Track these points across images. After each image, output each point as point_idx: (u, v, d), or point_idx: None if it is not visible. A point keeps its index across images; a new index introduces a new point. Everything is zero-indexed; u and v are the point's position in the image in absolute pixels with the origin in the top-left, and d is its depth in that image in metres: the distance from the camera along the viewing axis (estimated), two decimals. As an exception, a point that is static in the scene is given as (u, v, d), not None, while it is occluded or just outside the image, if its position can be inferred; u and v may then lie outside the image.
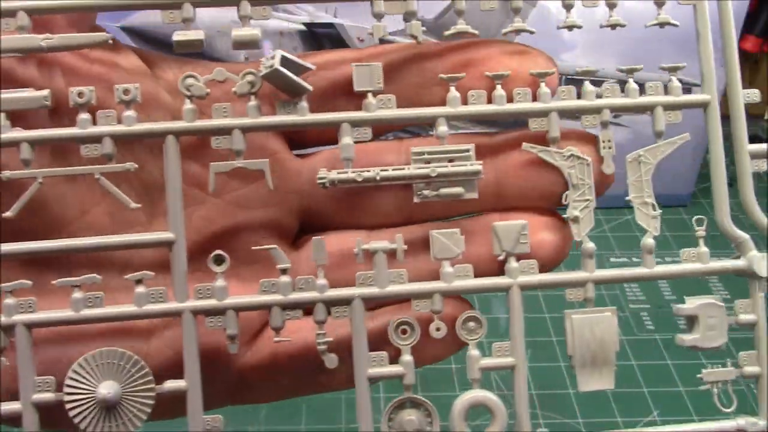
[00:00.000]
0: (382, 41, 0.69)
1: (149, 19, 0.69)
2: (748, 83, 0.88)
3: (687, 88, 0.76)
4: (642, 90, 0.30)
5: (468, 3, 0.30)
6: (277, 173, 0.30)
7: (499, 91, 0.30)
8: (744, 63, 0.85)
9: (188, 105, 0.29)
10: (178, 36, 0.28)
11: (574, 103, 0.30)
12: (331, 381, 0.31)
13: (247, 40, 0.28)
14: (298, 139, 0.32)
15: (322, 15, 0.72)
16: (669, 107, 0.31)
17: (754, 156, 0.31)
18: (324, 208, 0.31)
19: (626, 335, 0.60)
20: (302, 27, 0.72)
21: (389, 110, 0.30)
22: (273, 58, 0.28)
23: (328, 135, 0.31)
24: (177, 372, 0.28)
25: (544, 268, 0.30)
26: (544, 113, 0.30)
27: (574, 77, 0.74)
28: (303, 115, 0.29)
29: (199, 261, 0.29)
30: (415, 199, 0.30)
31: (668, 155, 0.32)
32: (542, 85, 0.30)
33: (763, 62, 0.89)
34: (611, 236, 0.75)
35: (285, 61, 0.28)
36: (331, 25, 0.72)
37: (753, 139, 0.31)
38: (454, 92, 0.30)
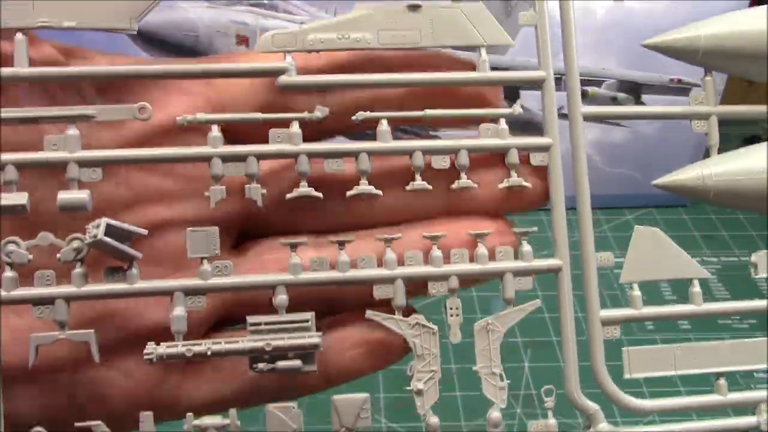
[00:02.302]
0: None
1: (149, 19, 0.69)
2: (748, 83, 0.90)
3: (687, 89, 0.76)
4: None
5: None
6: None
7: (343, 257, 0.30)
8: None
9: (8, 273, 0.28)
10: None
11: (421, 269, 0.30)
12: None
13: (74, 204, 0.28)
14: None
15: (322, 15, 0.72)
16: (519, 273, 0.30)
17: (606, 323, 0.31)
18: (266, 212, 0.30)
19: (626, 335, 0.60)
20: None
21: (227, 278, 0.29)
22: (98, 227, 0.27)
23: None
24: None
25: None
26: (390, 279, 0.30)
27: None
28: (132, 284, 0.28)
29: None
30: (250, 373, 0.29)
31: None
32: (388, 250, 0.30)
33: None
34: (611, 236, 0.75)
35: (110, 230, 0.27)
36: None
37: (753, 139, 0.31)
38: (294, 258, 0.29)
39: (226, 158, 0.29)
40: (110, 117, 0.28)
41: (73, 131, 0.28)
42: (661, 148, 0.75)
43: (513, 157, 0.30)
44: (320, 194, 0.29)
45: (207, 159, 0.29)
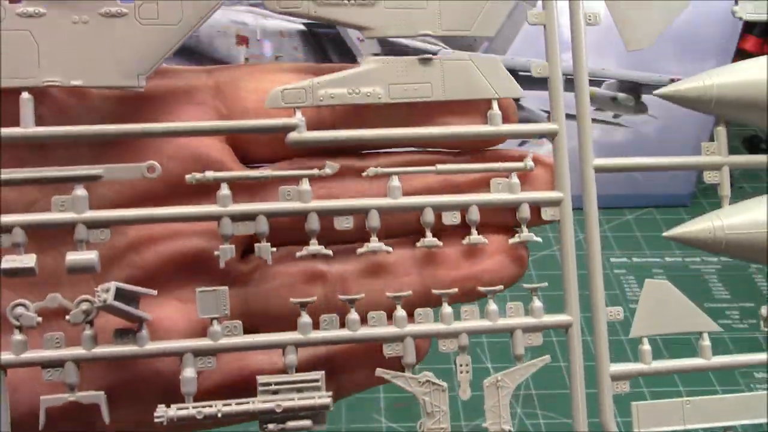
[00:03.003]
0: (379, 40, 0.69)
1: None
2: None
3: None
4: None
5: None
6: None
7: (353, 314, 0.29)
8: None
9: (17, 336, 0.28)
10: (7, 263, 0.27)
11: (431, 326, 0.30)
12: None
13: (83, 265, 0.27)
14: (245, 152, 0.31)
15: None
16: (529, 329, 0.30)
17: (616, 378, 0.31)
18: (275, 224, 0.30)
19: (626, 335, 0.61)
20: (302, 27, 0.71)
21: (235, 338, 0.29)
22: (108, 291, 0.27)
23: (281, 154, 0.30)
24: None
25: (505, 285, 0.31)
26: (400, 338, 0.30)
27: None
28: (143, 345, 0.28)
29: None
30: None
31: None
32: (398, 307, 0.30)
33: None
34: (611, 236, 0.75)
35: (120, 292, 0.27)
36: (331, 26, 0.71)
37: (752, 139, 0.31)
38: (305, 317, 0.29)
39: (235, 217, 0.28)
40: (118, 176, 0.28)
41: (80, 191, 0.28)
42: (661, 148, 0.75)
43: (524, 212, 0.30)
44: (330, 252, 0.29)
45: (216, 218, 0.28)
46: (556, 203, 0.30)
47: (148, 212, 0.28)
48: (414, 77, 0.30)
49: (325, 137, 0.29)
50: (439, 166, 0.30)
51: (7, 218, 0.27)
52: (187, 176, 0.28)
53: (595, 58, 0.73)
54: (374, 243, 0.29)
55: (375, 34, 0.29)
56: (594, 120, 0.31)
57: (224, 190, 0.29)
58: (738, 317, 0.64)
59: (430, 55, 0.30)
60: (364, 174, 0.29)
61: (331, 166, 0.29)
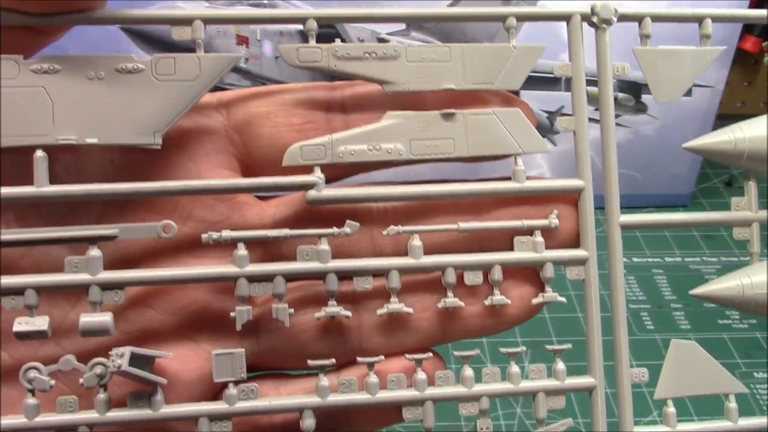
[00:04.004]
0: (379, 40, 0.68)
1: None
2: (747, 83, 0.89)
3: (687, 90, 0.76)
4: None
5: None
6: (240, 215, 0.29)
7: (372, 377, 0.29)
8: (744, 63, 0.86)
9: (30, 400, 0.27)
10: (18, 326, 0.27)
11: (451, 390, 0.29)
12: None
13: (97, 328, 0.27)
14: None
15: None
16: (552, 393, 0.30)
17: None
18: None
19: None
20: (302, 27, 0.70)
21: (254, 401, 0.28)
22: (122, 356, 0.26)
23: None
24: None
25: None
26: (420, 402, 0.29)
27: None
28: (157, 410, 0.28)
29: None
30: None
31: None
32: (418, 370, 0.29)
33: (762, 62, 0.88)
34: (611, 236, 0.75)
35: (135, 358, 0.27)
36: (331, 25, 0.70)
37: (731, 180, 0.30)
38: (323, 380, 0.29)
39: (252, 278, 0.28)
40: (133, 236, 0.28)
41: (95, 252, 0.27)
42: (661, 148, 0.74)
43: (549, 271, 0.29)
44: (349, 313, 0.29)
45: (233, 279, 0.28)
46: (581, 262, 0.29)
47: (163, 273, 0.28)
48: (436, 133, 0.29)
49: (346, 195, 0.29)
50: (462, 225, 0.29)
51: (19, 279, 0.27)
52: (203, 236, 0.28)
53: (595, 57, 0.71)
54: (395, 304, 0.29)
55: (397, 88, 0.28)
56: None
57: (241, 251, 0.28)
58: (738, 317, 0.64)
59: (452, 110, 0.29)
60: (384, 233, 0.29)
61: (351, 225, 0.28)
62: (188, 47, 0.28)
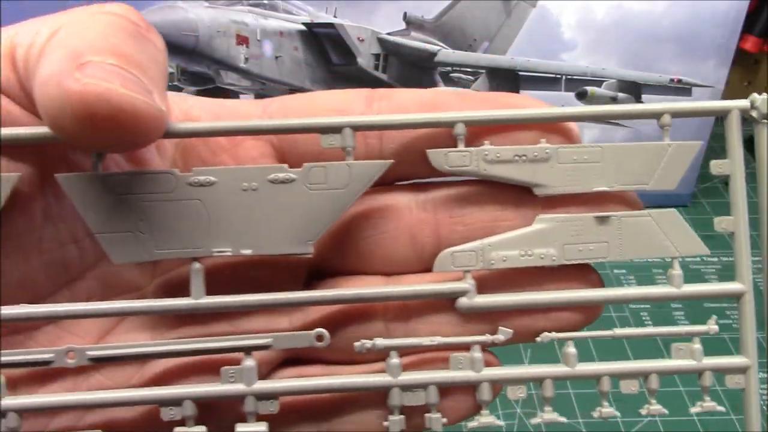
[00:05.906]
0: (379, 40, 0.68)
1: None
2: (747, 83, 0.86)
3: (687, 89, 0.72)
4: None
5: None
6: None
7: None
8: (744, 63, 0.85)
9: None
10: None
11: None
12: None
13: None
14: None
15: (322, 15, 0.71)
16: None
17: None
18: (330, 254, 0.29)
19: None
20: (302, 27, 0.71)
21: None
22: None
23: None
24: None
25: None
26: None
27: (575, 77, 0.71)
28: None
29: None
30: None
31: None
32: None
33: (763, 62, 0.88)
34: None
35: None
36: (331, 25, 0.71)
37: (753, 139, 0.28)
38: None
39: (405, 387, 0.28)
40: (287, 345, 0.28)
41: (249, 362, 0.27)
42: None
43: (707, 380, 0.28)
44: (502, 423, 0.28)
45: (386, 388, 0.28)
46: (741, 370, 0.28)
47: (318, 382, 0.28)
48: (590, 237, 0.28)
49: (498, 303, 0.28)
50: (617, 331, 0.28)
51: (177, 390, 0.27)
52: (356, 344, 0.28)
53: (595, 58, 0.70)
54: (549, 414, 0.28)
55: (548, 191, 0.28)
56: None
57: (394, 359, 0.28)
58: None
59: (607, 213, 0.28)
60: (538, 340, 0.28)
61: (504, 332, 0.28)
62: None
